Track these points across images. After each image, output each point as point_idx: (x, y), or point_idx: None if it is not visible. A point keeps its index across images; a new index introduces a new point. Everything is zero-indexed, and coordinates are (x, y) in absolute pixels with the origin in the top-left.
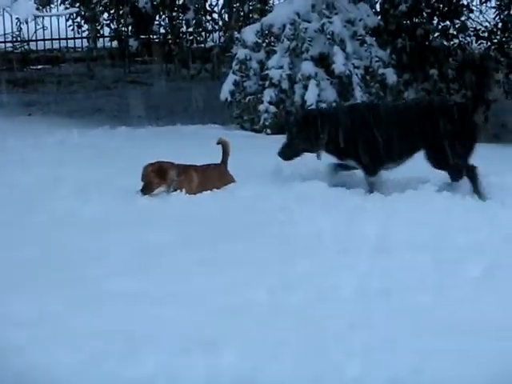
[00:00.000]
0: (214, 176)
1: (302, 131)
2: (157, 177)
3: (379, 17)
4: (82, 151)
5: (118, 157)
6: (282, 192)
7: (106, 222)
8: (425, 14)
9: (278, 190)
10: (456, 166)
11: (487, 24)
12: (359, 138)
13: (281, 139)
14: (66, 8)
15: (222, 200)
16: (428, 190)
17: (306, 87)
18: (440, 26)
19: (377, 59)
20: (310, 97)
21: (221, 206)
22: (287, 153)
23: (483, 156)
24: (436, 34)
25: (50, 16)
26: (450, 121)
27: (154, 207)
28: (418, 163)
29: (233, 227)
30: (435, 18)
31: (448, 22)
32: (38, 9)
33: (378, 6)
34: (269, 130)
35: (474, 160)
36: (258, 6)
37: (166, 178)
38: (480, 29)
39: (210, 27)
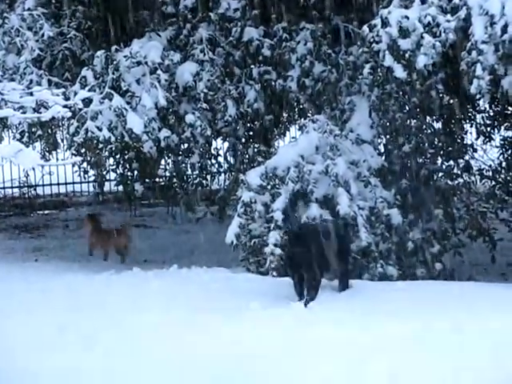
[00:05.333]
0: None
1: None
2: None
3: (383, 158)
4: (88, 297)
5: (123, 301)
6: (290, 335)
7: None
8: (428, 155)
9: (286, 332)
10: None
11: (491, 163)
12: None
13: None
14: (73, 154)
15: (223, 347)
16: (438, 328)
17: None
18: (444, 166)
19: (381, 200)
20: None
21: (222, 354)
22: None
23: (489, 294)
24: (440, 174)
25: (57, 165)
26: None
27: (161, 355)
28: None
29: (235, 375)
30: (439, 157)
31: (452, 162)
32: (43, 156)
33: (381, 147)
34: (275, 273)
35: (479, 300)
36: (263, 148)
37: None
38: (484, 168)
39: (214, 170)
